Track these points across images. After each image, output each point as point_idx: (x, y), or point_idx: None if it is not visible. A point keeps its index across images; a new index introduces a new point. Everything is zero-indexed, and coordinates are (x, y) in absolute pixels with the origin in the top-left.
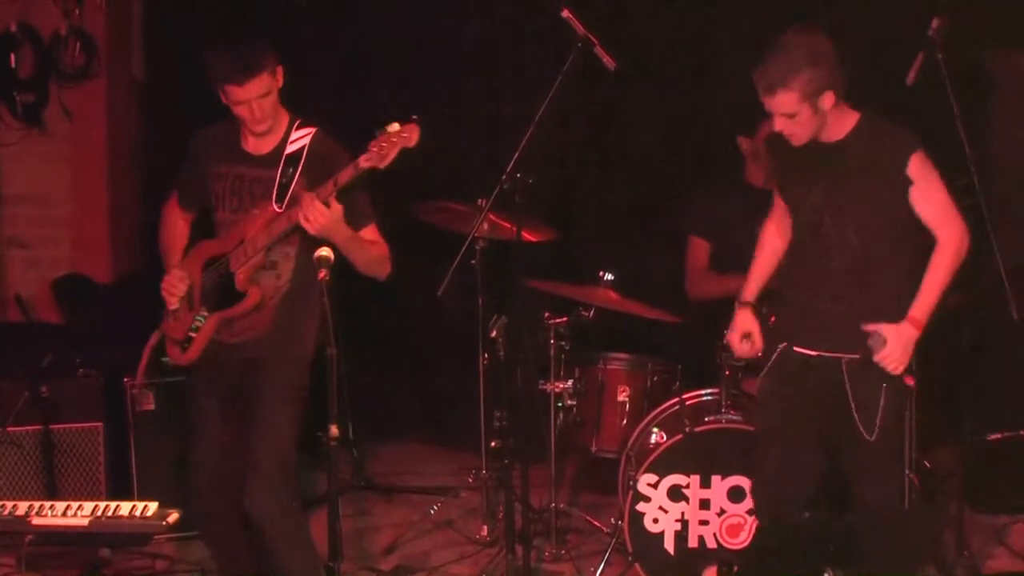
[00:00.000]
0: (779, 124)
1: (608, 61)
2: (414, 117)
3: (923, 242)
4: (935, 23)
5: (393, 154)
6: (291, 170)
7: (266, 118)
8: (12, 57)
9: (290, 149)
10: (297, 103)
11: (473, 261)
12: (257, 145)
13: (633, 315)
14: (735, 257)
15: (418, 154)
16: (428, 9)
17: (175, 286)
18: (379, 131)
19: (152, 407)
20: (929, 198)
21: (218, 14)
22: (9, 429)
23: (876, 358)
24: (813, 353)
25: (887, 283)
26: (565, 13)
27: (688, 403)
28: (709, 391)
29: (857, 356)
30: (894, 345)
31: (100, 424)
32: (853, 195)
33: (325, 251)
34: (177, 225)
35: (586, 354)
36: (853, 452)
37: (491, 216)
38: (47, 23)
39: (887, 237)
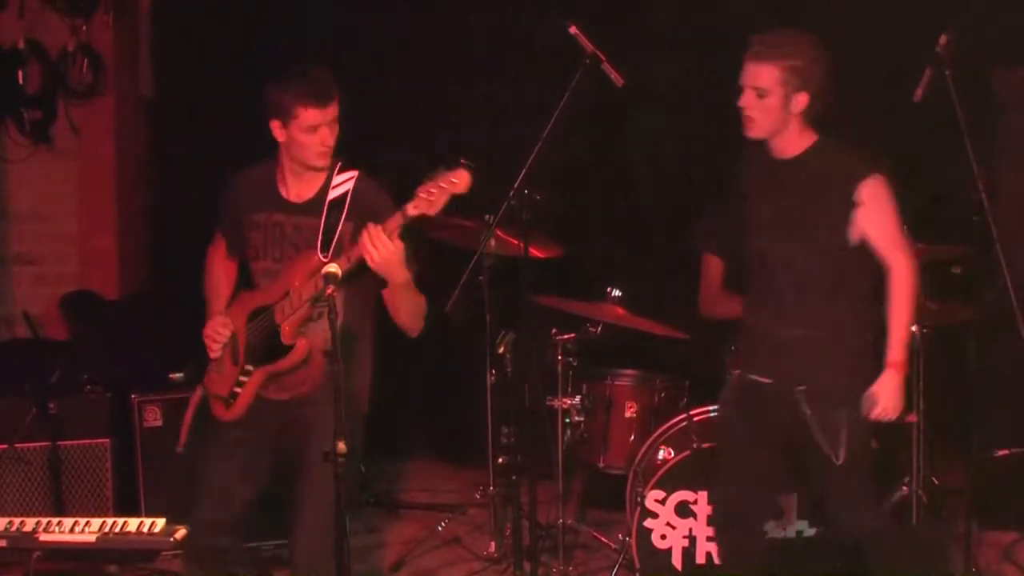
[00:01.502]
0: (746, 100)
1: (616, 78)
2: (463, 161)
3: (874, 271)
4: (943, 40)
5: (443, 201)
6: (335, 217)
7: (331, 149)
8: (20, 74)
9: (333, 194)
10: None
11: (481, 277)
12: (297, 191)
13: (641, 331)
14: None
15: (425, 170)
16: (435, 26)
17: (219, 332)
18: (427, 176)
19: (160, 423)
20: (876, 221)
21: (226, 32)
22: (17, 446)
23: (872, 417)
24: (766, 381)
25: (836, 311)
26: (573, 29)
27: (696, 419)
28: (716, 407)
29: (804, 388)
30: (886, 399)
31: (107, 440)
32: (801, 215)
33: (333, 267)
34: (224, 271)
35: (594, 370)
36: (822, 478)
37: (498, 232)
38: (55, 40)
39: (835, 263)
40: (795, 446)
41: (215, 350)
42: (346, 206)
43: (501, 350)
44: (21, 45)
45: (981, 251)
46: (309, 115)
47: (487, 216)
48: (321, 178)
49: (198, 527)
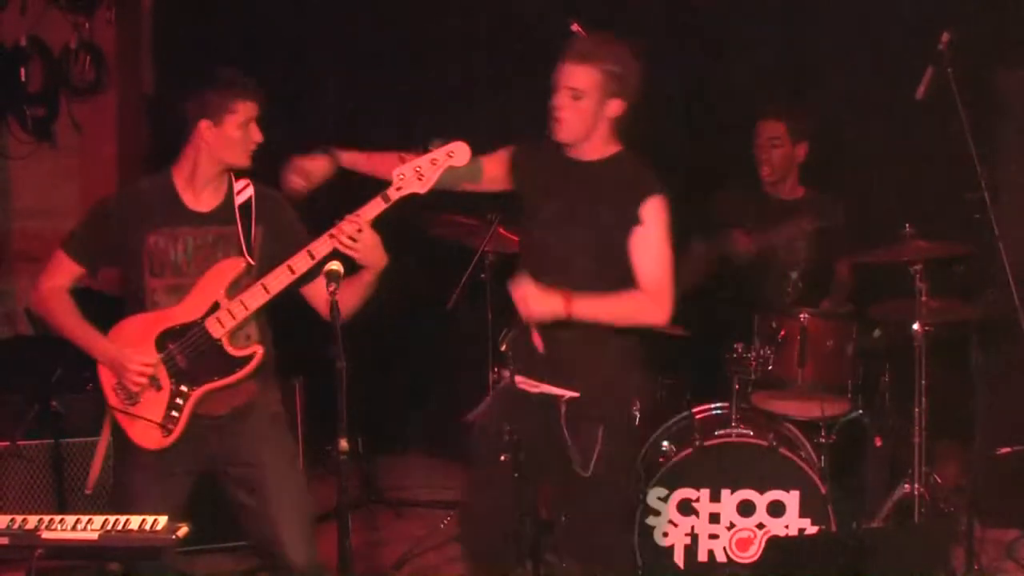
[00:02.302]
0: (560, 100)
1: None
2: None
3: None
4: (944, 38)
5: (436, 177)
6: (248, 221)
7: (255, 147)
8: (22, 71)
9: (239, 200)
10: (310, 125)
11: (483, 275)
12: (204, 199)
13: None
14: None
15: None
16: (436, 24)
17: (146, 362)
18: (416, 149)
19: None
20: (648, 244)
21: (227, 29)
22: (19, 443)
23: (517, 290)
24: (534, 390)
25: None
26: (575, 27)
27: (698, 417)
28: (719, 405)
29: (577, 395)
30: (535, 294)
31: (112, 438)
32: (586, 218)
33: (335, 265)
34: (70, 301)
35: None
36: (570, 490)
37: (500, 230)
38: (57, 37)
39: (612, 271)
40: (547, 457)
41: (140, 383)
42: (253, 211)
43: (503, 348)
44: (23, 42)
45: (983, 250)
46: (247, 108)
47: (489, 214)
48: (224, 186)
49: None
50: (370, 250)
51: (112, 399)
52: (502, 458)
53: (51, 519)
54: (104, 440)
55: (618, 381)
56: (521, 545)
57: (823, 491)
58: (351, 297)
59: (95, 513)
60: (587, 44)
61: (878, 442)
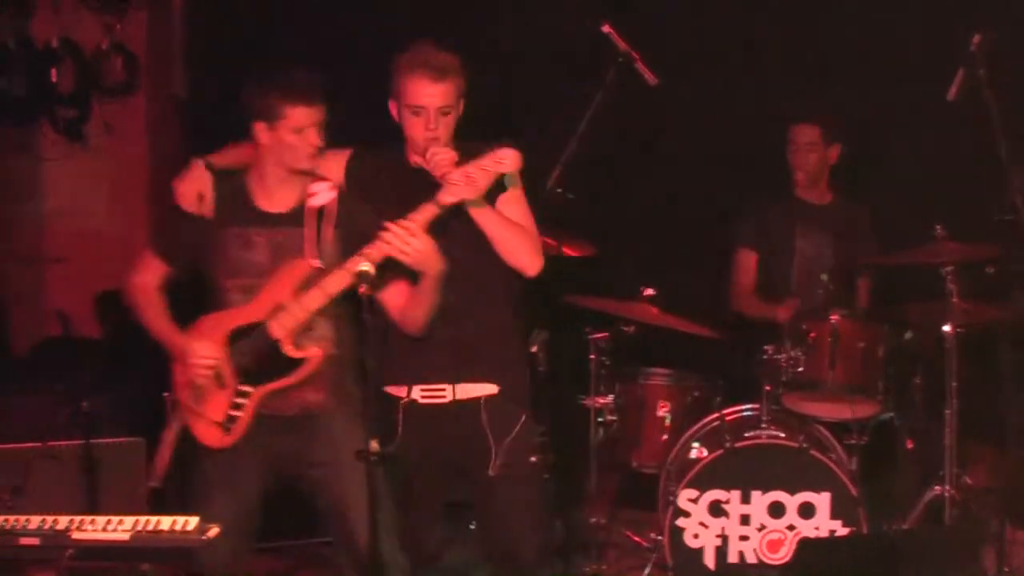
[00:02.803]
0: (433, 121)
1: (649, 77)
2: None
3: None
4: (976, 39)
5: (487, 183)
6: (320, 223)
7: (317, 151)
8: (53, 72)
9: (314, 201)
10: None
11: None
12: (277, 200)
13: (674, 331)
14: (782, 269)
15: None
16: (465, 22)
17: (207, 358)
18: (465, 157)
19: None
20: (516, 202)
21: (261, 31)
22: (49, 444)
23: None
24: (441, 398)
25: (499, 313)
26: (606, 28)
27: (728, 418)
28: (749, 406)
29: (484, 398)
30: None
31: (142, 439)
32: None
33: (366, 266)
34: (159, 297)
35: (627, 369)
36: (488, 493)
37: None
38: (88, 38)
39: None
40: (464, 464)
41: (204, 376)
42: (333, 214)
43: (534, 349)
44: (55, 44)
45: (1014, 251)
46: (298, 114)
47: None
48: (300, 186)
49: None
50: (424, 255)
51: (182, 396)
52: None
53: (82, 520)
54: (171, 434)
55: (524, 371)
56: None
57: (854, 493)
58: (415, 307)
59: (126, 514)
60: (443, 58)
61: (909, 444)
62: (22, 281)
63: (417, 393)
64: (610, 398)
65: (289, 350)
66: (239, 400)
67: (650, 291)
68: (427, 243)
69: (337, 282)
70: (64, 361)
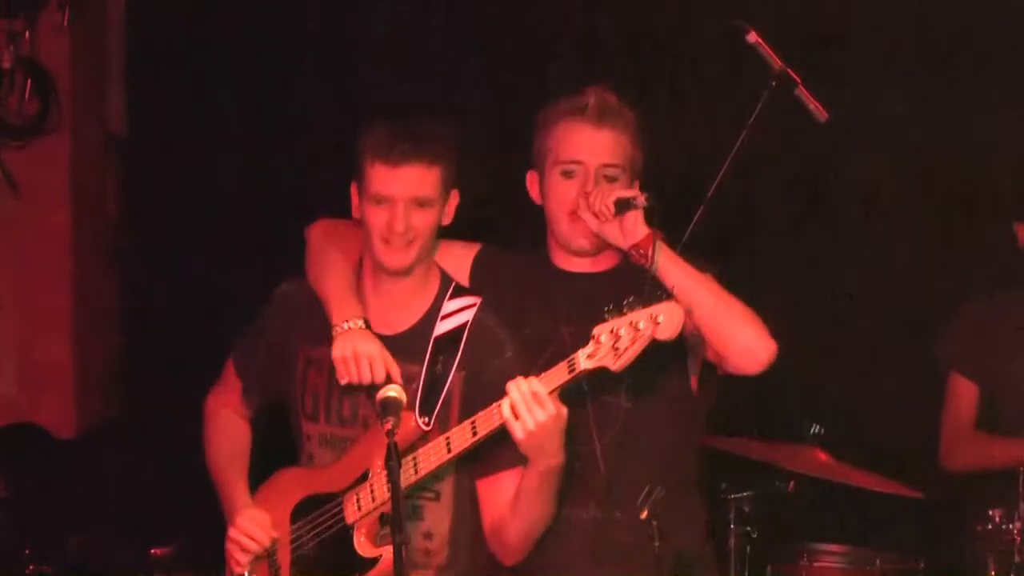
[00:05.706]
0: (594, 179)
1: (818, 111)
2: (661, 293)
3: None
4: None
5: (637, 353)
6: (443, 362)
7: (413, 242)
8: None
9: (442, 328)
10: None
11: None
12: (386, 315)
13: (852, 487)
14: (1015, 403)
15: None
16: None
17: (255, 536)
18: (610, 313)
19: None
20: None
21: (227, 46)
22: None
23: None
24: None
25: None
26: (752, 37)
27: None
28: None
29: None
30: None
31: None
32: None
33: (395, 391)
34: (238, 429)
35: (783, 545)
36: None
37: None
38: None
39: None
40: None
41: (243, 563)
42: (461, 348)
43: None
44: None
45: None
46: (377, 176)
47: None
48: (428, 298)
49: None
50: (545, 434)
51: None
52: None
53: None
54: None
55: None
56: None
57: None
58: (516, 517)
59: None
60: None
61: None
62: None
63: None
64: None
65: (360, 542)
66: None
67: (818, 428)
68: (554, 418)
69: (433, 451)
70: None
